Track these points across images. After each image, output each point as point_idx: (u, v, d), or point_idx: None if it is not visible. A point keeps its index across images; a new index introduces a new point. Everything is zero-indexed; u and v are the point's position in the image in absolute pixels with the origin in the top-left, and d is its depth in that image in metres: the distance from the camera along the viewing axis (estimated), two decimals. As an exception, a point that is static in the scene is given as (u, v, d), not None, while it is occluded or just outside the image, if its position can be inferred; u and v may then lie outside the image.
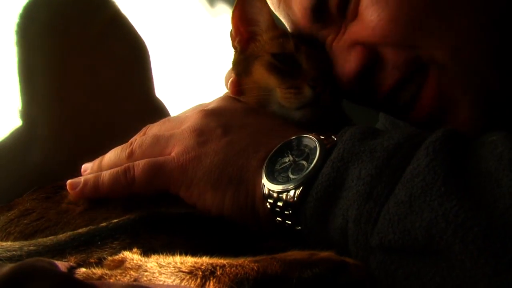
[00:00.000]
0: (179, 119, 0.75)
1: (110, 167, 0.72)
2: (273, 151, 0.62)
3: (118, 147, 0.75)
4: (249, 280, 0.45)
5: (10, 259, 0.51)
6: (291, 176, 0.58)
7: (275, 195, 0.58)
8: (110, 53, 0.99)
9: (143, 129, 0.78)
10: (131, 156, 0.71)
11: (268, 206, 0.59)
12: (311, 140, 0.61)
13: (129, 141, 0.74)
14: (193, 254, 0.49)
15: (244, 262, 0.46)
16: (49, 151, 0.85)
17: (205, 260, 0.47)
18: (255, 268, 0.45)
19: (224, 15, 1.30)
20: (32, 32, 0.86)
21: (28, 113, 0.84)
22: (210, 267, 0.46)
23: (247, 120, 0.70)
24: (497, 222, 0.43)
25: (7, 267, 0.37)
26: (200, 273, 0.45)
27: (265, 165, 0.61)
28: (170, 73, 1.14)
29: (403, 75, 0.71)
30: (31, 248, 0.54)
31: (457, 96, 0.70)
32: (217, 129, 0.68)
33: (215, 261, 0.47)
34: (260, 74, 0.81)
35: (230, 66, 0.88)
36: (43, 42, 0.87)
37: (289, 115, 0.77)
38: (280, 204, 0.58)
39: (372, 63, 0.72)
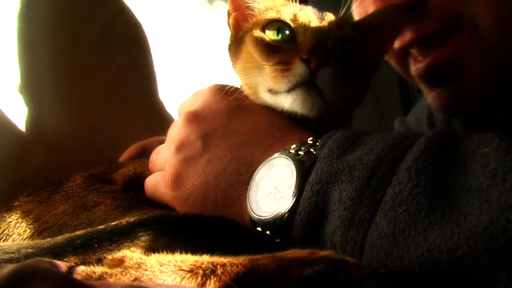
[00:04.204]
0: (174, 126, 0.75)
1: None
2: (254, 176, 0.61)
3: None
4: (250, 278, 0.45)
5: (8, 261, 0.50)
6: (273, 205, 0.57)
7: (261, 224, 0.58)
8: (113, 50, 0.99)
9: None
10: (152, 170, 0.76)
11: (258, 231, 0.59)
12: (287, 161, 0.58)
13: None
14: (194, 253, 0.49)
15: (245, 260, 0.46)
16: (49, 151, 0.84)
17: (205, 259, 0.47)
18: (256, 266, 0.45)
19: (223, 9, 1.30)
20: (32, 28, 0.85)
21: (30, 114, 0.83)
22: (210, 266, 0.46)
23: (230, 125, 0.68)
24: (481, 239, 0.41)
25: (8, 268, 0.36)
26: (201, 271, 0.45)
27: (248, 194, 0.60)
28: (168, 68, 1.14)
29: (440, 28, 0.71)
30: (29, 250, 0.54)
31: (470, 63, 0.71)
32: (196, 142, 0.68)
33: (216, 259, 0.47)
34: (248, 51, 0.72)
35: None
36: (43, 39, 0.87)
37: (279, 103, 0.67)
38: (268, 232, 0.58)
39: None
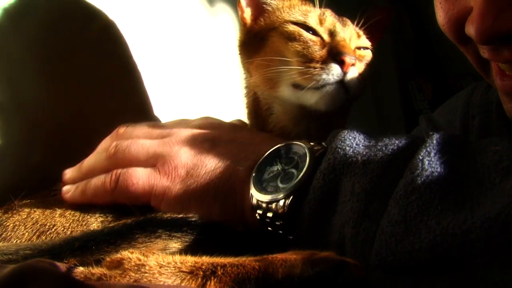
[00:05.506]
0: (166, 127, 0.72)
1: (88, 170, 0.70)
2: (262, 159, 0.60)
3: (95, 151, 0.73)
4: (251, 279, 0.45)
5: (6, 262, 0.50)
6: (280, 185, 0.56)
7: (264, 205, 0.57)
8: (102, 61, 0.99)
9: (115, 131, 0.74)
10: (111, 157, 0.68)
11: (258, 217, 0.58)
12: (300, 147, 0.58)
13: (104, 145, 0.73)
14: (193, 255, 0.49)
15: (245, 261, 0.46)
16: (48, 152, 0.84)
17: (205, 260, 0.47)
18: (256, 267, 0.45)
19: (224, 14, 1.31)
20: (21, 37, 0.85)
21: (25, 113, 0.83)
22: (211, 267, 0.46)
23: (234, 134, 0.69)
24: (496, 223, 0.41)
25: (9, 267, 0.36)
26: (201, 272, 0.45)
27: (253, 174, 0.59)
28: (169, 73, 1.14)
29: None
30: (27, 251, 0.54)
31: None
32: (205, 142, 0.66)
33: (216, 260, 0.47)
34: (277, 45, 0.74)
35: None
36: (36, 45, 0.87)
37: (302, 99, 0.70)
38: (269, 215, 0.56)
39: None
